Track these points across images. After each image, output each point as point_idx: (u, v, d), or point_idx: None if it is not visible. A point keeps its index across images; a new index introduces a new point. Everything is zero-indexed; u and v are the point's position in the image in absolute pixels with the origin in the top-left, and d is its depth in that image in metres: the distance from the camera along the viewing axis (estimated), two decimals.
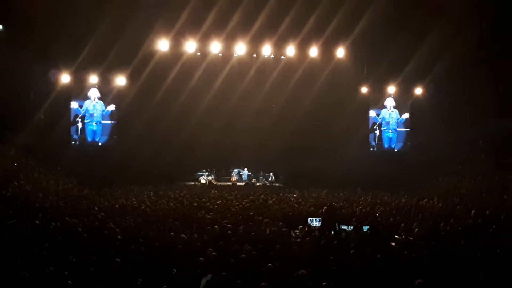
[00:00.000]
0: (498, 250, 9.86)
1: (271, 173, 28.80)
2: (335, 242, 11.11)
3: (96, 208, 15.20)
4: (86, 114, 27.58)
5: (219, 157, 28.55)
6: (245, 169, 29.04)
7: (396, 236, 12.24)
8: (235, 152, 28.29)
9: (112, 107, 27.70)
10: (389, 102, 29.11)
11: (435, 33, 23.57)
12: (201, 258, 8.90)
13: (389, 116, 29.16)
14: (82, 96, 27.60)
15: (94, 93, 27.61)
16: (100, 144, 27.79)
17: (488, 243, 10.60)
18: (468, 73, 24.40)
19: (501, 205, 16.11)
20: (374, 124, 29.16)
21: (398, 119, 29.12)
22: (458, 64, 24.00)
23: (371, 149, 29.15)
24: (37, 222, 12.31)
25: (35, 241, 10.16)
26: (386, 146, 29.25)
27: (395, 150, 29.23)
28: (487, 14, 22.64)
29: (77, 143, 27.57)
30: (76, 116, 27.48)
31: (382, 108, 29.18)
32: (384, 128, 29.16)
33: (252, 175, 28.88)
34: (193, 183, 26.87)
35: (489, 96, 23.81)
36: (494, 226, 12.28)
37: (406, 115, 29.05)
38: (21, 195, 16.93)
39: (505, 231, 11.92)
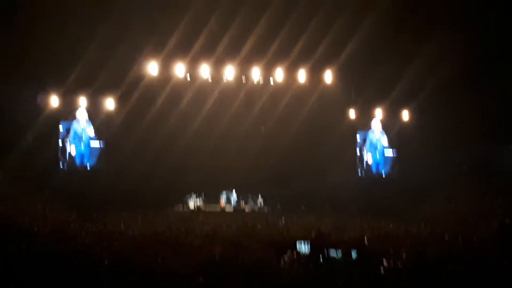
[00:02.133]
0: (487, 276, 9.92)
1: (259, 196, 28.72)
2: (324, 268, 11.12)
3: (83, 233, 15.09)
4: (75, 136, 27.47)
5: (207, 181, 28.39)
6: (233, 190, 28.94)
7: (384, 262, 12.25)
8: (224, 176, 28.22)
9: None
10: (376, 125, 29.28)
11: (421, 58, 23.93)
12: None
13: (376, 140, 29.35)
14: (71, 118, 27.41)
15: (82, 114, 27.51)
16: (88, 167, 27.64)
17: (476, 268, 10.65)
18: (454, 98, 24.71)
19: (488, 230, 16.24)
20: (361, 147, 29.31)
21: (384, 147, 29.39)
22: (443, 89, 24.35)
23: (359, 174, 29.23)
24: (23, 247, 12.18)
25: (20, 266, 10.05)
26: (374, 170, 29.36)
27: (383, 175, 29.32)
28: (472, 41, 23.05)
29: (65, 166, 27.40)
30: (64, 137, 27.35)
31: (369, 131, 29.38)
32: (372, 152, 29.30)
33: (241, 197, 28.76)
34: (181, 207, 26.77)
35: (474, 121, 24.13)
36: (481, 252, 12.34)
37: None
38: (7, 220, 16.74)
39: (493, 256, 11.98)
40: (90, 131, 27.55)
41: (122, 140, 26.54)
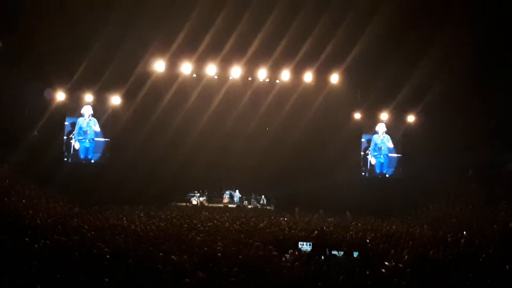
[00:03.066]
0: (488, 280, 9.89)
1: (262, 196, 28.75)
2: (325, 267, 11.10)
3: (86, 227, 15.09)
4: (80, 131, 27.59)
5: (212, 179, 28.55)
6: (237, 191, 28.99)
7: (386, 263, 12.21)
8: (228, 174, 28.34)
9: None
10: (381, 127, 29.29)
11: (427, 61, 23.86)
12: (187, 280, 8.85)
13: (381, 141, 29.33)
14: (77, 114, 27.64)
15: (87, 110, 27.64)
16: (92, 161, 27.76)
17: (478, 272, 10.61)
18: (460, 103, 24.64)
19: (491, 234, 16.17)
20: (365, 149, 29.32)
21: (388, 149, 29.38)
22: (449, 93, 24.28)
23: (363, 174, 29.25)
24: (26, 239, 12.20)
25: (23, 258, 10.07)
26: (377, 171, 29.38)
27: (387, 175, 29.34)
28: (479, 44, 22.96)
29: (70, 159, 27.54)
30: (69, 132, 27.49)
31: (374, 134, 29.36)
32: (376, 154, 29.31)
33: (244, 197, 28.81)
34: (184, 204, 26.82)
35: (480, 125, 24.05)
36: (483, 255, 12.30)
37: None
38: (11, 211, 16.82)
39: (495, 260, 11.94)
40: (96, 126, 27.68)
41: (127, 137, 26.71)
